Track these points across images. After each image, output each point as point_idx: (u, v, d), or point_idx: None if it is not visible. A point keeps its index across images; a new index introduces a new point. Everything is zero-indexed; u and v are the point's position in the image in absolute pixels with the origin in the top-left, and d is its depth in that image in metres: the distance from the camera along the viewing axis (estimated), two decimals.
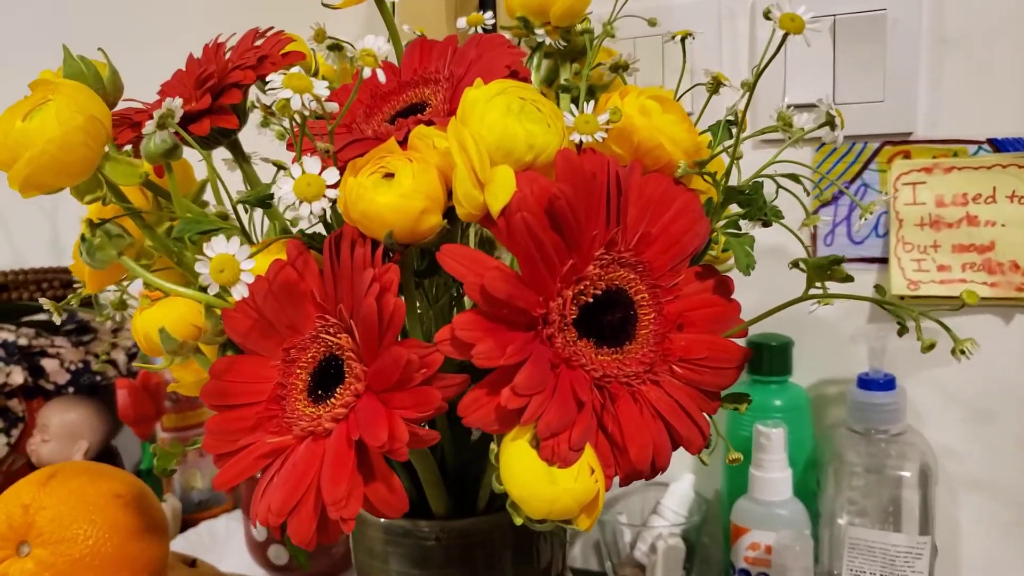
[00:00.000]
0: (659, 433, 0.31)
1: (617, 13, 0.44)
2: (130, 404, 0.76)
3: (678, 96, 0.41)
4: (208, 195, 0.45)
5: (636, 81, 0.63)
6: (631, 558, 0.65)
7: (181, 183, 0.44)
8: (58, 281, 0.84)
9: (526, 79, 0.34)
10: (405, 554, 0.39)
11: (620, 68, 0.41)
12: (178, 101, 0.33)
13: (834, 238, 0.63)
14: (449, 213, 0.31)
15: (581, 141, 0.32)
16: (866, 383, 0.58)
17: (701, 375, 0.32)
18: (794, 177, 0.36)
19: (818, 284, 0.31)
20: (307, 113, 0.29)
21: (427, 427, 0.40)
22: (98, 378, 0.80)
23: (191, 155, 0.39)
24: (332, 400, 0.31)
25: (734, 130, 0.37)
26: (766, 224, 0.34)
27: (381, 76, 0.30)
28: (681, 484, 0.67)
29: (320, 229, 0.35)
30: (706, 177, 0.34)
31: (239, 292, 0.28)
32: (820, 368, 0.65)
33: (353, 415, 0.30)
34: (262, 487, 0.31)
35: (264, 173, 0.40)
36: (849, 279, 0.30)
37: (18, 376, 0.76)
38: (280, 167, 0.40)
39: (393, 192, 0.29)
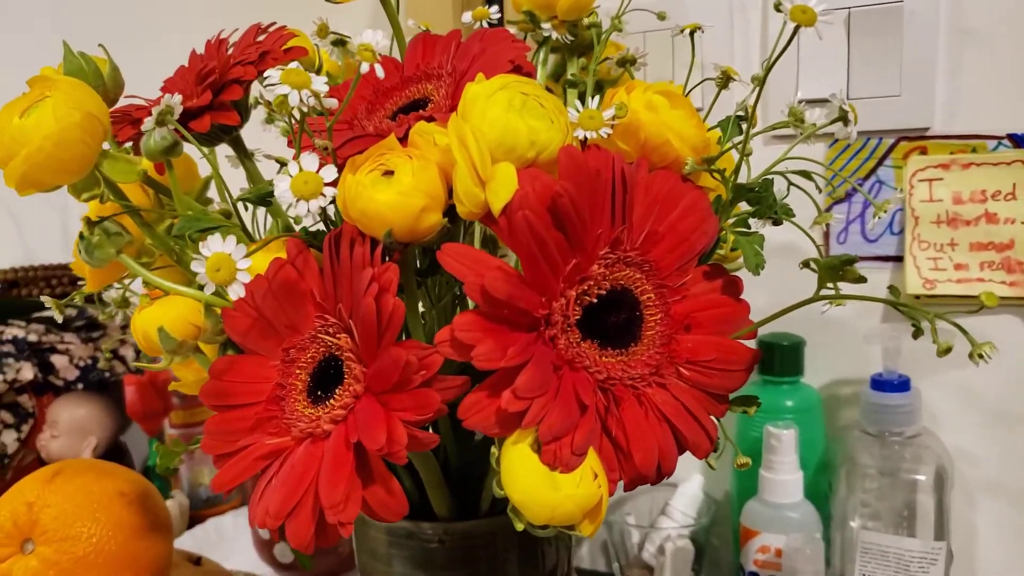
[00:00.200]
0: (665, 437, 0.30)
1: (626, 7, 0.43)
2: (138, 400, 0.76)
3: (687, 91, 0.40)
4: (212, 192, 0.45)
5: (646, 76, 0.62)
6: (639, 559, 0.64)
7: (184, 180, 0.44)
8: (67, 277, 0.84)
9: (530, 74, 0.33)
10: (408, 556, 0.38)
11: (628, 63, 0.40)
12: (177, 97, 0.32)
13: (847, 236, 0.62)
14: (450, 211, 0.30)
15: (586, 137, 0.31)
16: (880, 384, 0.57)
17: (709, 377, 0.32)
18: (806, 174, 0.35)
19: (830, 285, 0.30)
20: (305, 109, 0.29)
21: (429, 428, 0.40)
22: (107, 374, 0.80)
23: (196, 152, 0.38)
24: (331, 401, 0.30)
25: (744, 126, 0.36)
26: (776, 222, 0.33)
27: (379, 71, 0.29)
28: (690, 485, 0.66)
29: (323, 227, 0.35)
30: (715, 174, 0.33)
31: (235, 291, 0.28)
32: (833, 368, 0.64)
33: (352, 417, 0.29)
34: (260, 489, 0.30)
35: (268, 170, 0.40)
36: (862, 280, 0.29)
37: (28, 372, 0.76)
38: (283, 164, 0.39)
39: (392, 190, 0.28)
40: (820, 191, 0.36)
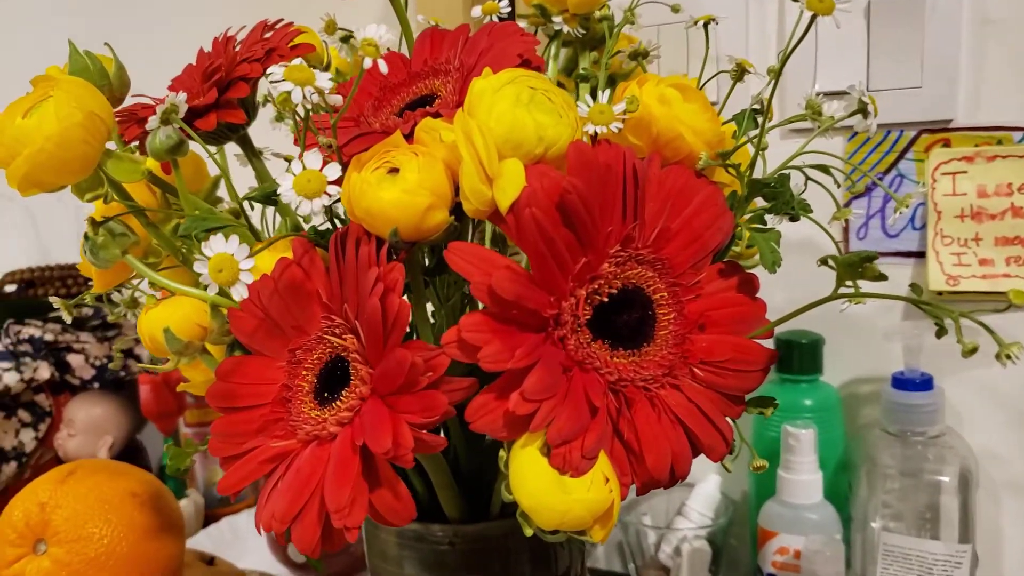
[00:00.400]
0: (678, 440, 0.29)
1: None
2: (152, 399, 0.76)
3: (701, 84, 0.39)
4: (223, 191, 0.45)
5: (660, 70, 0.61)
6: (655, 560, 0.64)
7: (193, 179, 0.43)
8: (83, 277, 0.85)
9: (539, 68, 0.32)
10: (419, 558, 0.38)
11: (640, 55, 0.40)
12: (182, 96, 0.32)
13: (868, 231, 0.61)
14: (457, 209, 0.29)
15: (596, 132, 0.30)
16: (901, 383, 0.56)
17: (724, 378, 0.31)
18: (823, 168, 0.34)
19: (849, 282, 0.29)
20: (309, 106, 0.28)
21: (441, 429, 0.39)
22: (123, 373, 0.81)
23: (206, 151, 0.38)
24: (338, 403, 0.30)
25: (760, 119, 0.35)
26: (793, 218, 0.32)
27: (383, 66, 0.28)
28: (707, 485, 0.65)
29: (332, 226, 0.34)
30: (730, 169, 0.32)
31: (238, 292, 0.27)
32: (852, 366, 0.62)
33: (358, 419, 0.29)
34: (267, 492, 0.30)
35: (278, 169, 0.39)
36: (882, 278, 0.28)
37: (44, 371, 0.76)
38: (291, 162, 0.39)
39: (397, 188, 0.28)
40: (839, 186, 0.35)
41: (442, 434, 0.40)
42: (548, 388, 0.27)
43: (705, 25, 0.39)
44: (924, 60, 0.57)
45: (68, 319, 0.38)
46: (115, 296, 0.40)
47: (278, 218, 0.41)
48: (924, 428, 0.55)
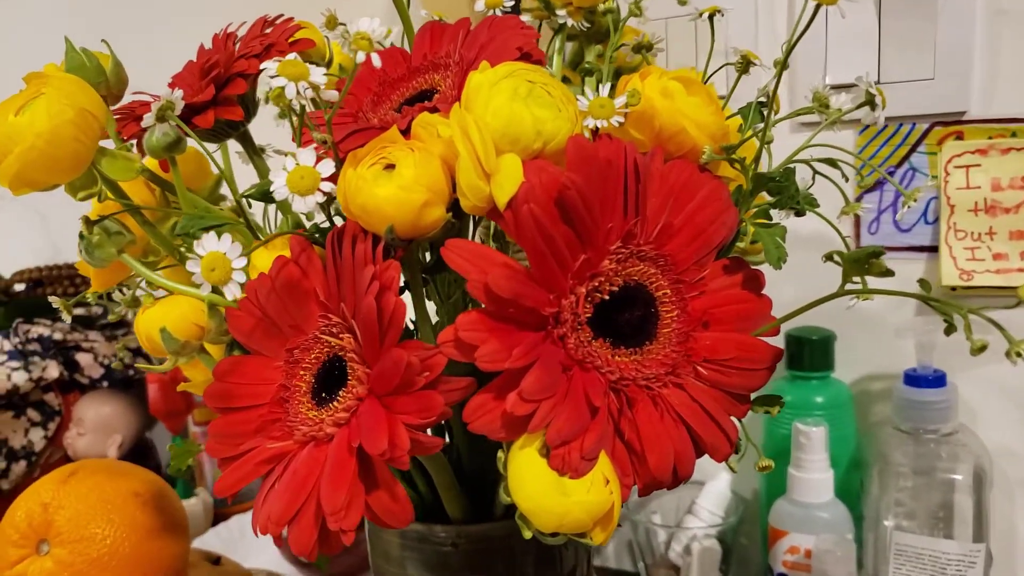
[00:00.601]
0: (681, 440, 0.29)
1: None
2: (160, 398, 0.76)
3: (707, 77, 0.38)
4: (227, 189, 0.44)
5: (668, 63, 0.60)
6: (665, 559, 0.63)
7: (196, 177, 0.43)
8: None
9: (539, 61, 0.32)
10: (422, 559, 0.38)
11: (643, 48, 0.39)
12: (178, 93, 0.32)
13: (879, 226, 0.60)
14: (455, 206, 0.29)
15: (597, 127, 0.30)
16: (913, 379, 0.55)
17: (728, 377, 0.30)
18: (831, 162, 0.33)
19: (855, 279, 0.29)
20: (303, 102, 0.28)
21: (445, 430, 0.39)
22: (131, 372, 0.81)
23: (210, 148, 0.38)
24: (335, 404, 0.29)
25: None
26: (799, 213, 0.32)
27: (376, 60, 0.28)
28: (717, 483, 0.64)
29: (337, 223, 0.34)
30: (735, 164, 0.32)
31: (231, 291, 0.27)
32: (864, 363, 0.61)
33: (355, 420, 0.28)
34: (264, 494, 0.29)
35: (279, 166, 0.39)
36: (889, 274, 0.27)
37: (53, 370, 0.77)
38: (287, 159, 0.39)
39: (393, 184, 0.27)
40: (847, 180, 0.34)
41: (445, 434, 0.39)
42: (546, 388, 0.26)
43: (710, 17, 0.39)
44: (937, 51, 0.56)
45: (68, 319, 0.38)
46: (116, 295, 0.40)
47: (280, 216, 0.41)
48: (937, 425, 0.54)
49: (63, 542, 0.42)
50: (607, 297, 0.28)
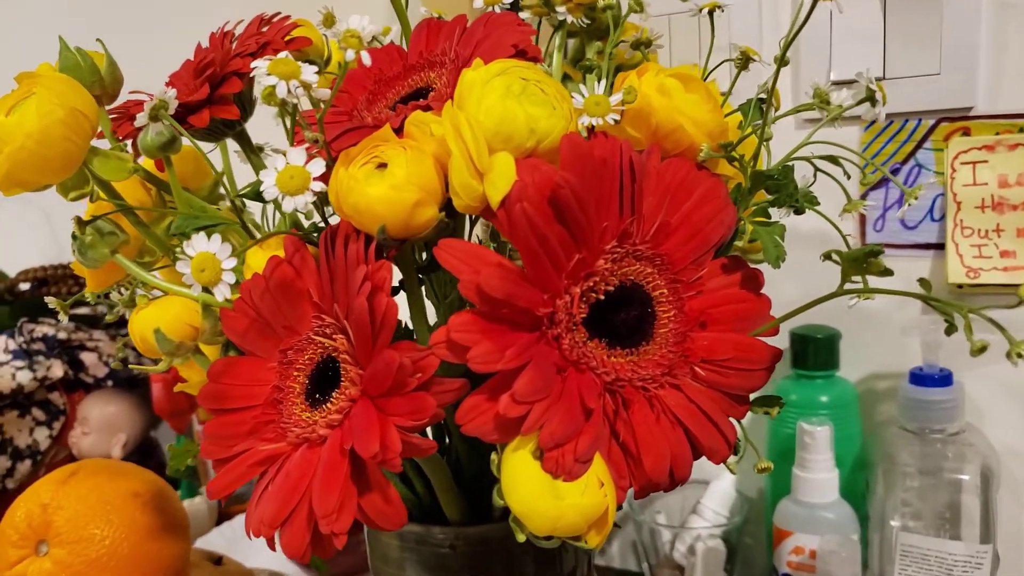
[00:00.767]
0: (678, 441, 0.28)
1: None
2: (164, 397, 0.76)
3: (708, 73, 0.38)
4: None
5: (671, 60, 0.60)
6: (669, 559, 0.63)
7: (194, 176, 0.43)
8: None
9: (535, 58, 0.31)
10: (420, 561, 0.37)
11: (642, 45, 0.38)
12: (172, 91, 0.32)
13: (884, 224, 0.59)
14: (448, 205, 0.29)
15: (592, 125, 0.29)
16: (919, 378, 0.54)
17: (726, 377, 0.30)
18: (833, 159, 0.33)
19: (855, 278, 0.28)
20: (295, 101, 0.27)
21: (445, 431, 0.38)
22: (136, 371, 0.81)
23: (208, 147, 0.37)
24: (328, 405, 0.29)
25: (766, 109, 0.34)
26: (798, 211, 0.31)
27: (366, 58, 0.27)
28: (722, 483, 0.64)
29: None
30: (734, 161, 0.31)
31: (221, 292, 0.27)
32: (869, 362, 0.61)
33: (347, 422, 0.28)
34: (257, 496, 0.29)
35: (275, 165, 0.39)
36: (888, 273, 0.27)
37: (58, 370, 0.77)
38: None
39: (384, 183, 0.27)
40: (849, 177, 0.33)
41: (444, 435, 0.39)
42: (540, 390, 0.26)
43: (710, 13, 0.38)
44: (942, 46, 0.55)
45: (64, 319, 0.37)
46: (112, 295, 0.40)
47: (279, 215, 0.41)
48: (943, 425, 0.54)
49: (62, 543, 0.42)
50: (602, 297, 0.28)
